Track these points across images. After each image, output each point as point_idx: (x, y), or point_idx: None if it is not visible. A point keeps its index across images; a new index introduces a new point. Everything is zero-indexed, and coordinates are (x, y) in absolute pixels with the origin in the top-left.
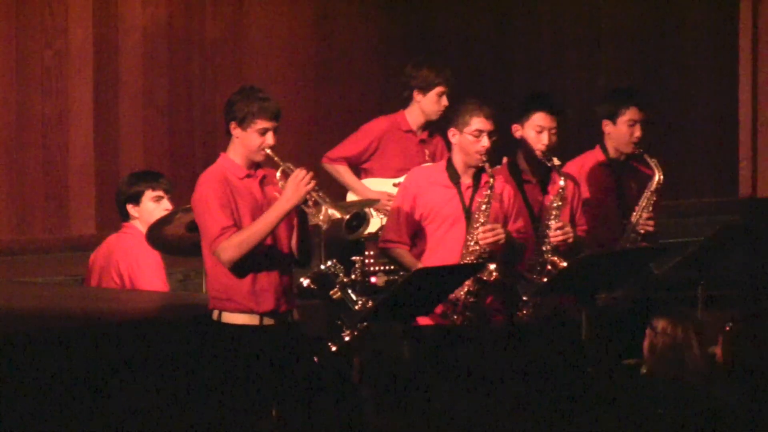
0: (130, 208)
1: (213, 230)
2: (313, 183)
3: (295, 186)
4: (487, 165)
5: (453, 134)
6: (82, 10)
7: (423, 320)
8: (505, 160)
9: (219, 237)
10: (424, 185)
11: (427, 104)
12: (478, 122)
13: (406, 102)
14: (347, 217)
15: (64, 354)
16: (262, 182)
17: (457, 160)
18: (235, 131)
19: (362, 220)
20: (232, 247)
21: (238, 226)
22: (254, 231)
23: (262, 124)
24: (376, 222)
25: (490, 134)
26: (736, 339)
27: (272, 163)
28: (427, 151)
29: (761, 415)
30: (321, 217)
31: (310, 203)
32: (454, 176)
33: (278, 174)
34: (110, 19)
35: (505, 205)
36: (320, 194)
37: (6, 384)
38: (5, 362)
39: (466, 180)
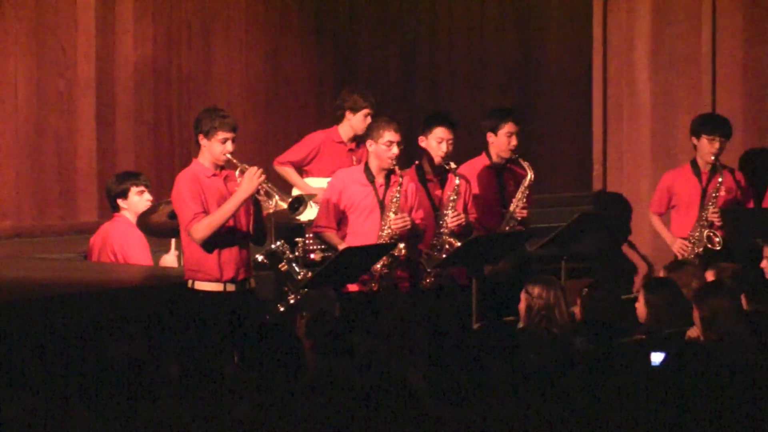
0: (119, 201)
1: (187, 216)
2: (263, 177)
3: (249, 179)
4: (396, 168)
5: (370, 144)
6: (88, 49)
7: (350, 287)
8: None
9: (192, 220)
10: (347, 183)
11: (356, 122)
12: (389, 135)
13: (339, 119)
14: (289, 200)
15: (72, 312)
16: (226, 180)
17: (372, 164)
18: (203, 141)
19: (301, 202)
20: (203, 228)
21: (207, 213)
22: (219, 215)
23: (223, 135)
24: (314, 211)
25: (398, 144)
26: (591, 300)
27: (232, 165)
28: (354, 158)
29: (608, 357)
30: (272, 204)
31: (262, 193)
32: (370, 176)
33: (237, 173)
34: (109, 56)
35: (410, 199)
36: (270, 186)
37: (27, 336)
38: (27, 319)
39: (380, 180)
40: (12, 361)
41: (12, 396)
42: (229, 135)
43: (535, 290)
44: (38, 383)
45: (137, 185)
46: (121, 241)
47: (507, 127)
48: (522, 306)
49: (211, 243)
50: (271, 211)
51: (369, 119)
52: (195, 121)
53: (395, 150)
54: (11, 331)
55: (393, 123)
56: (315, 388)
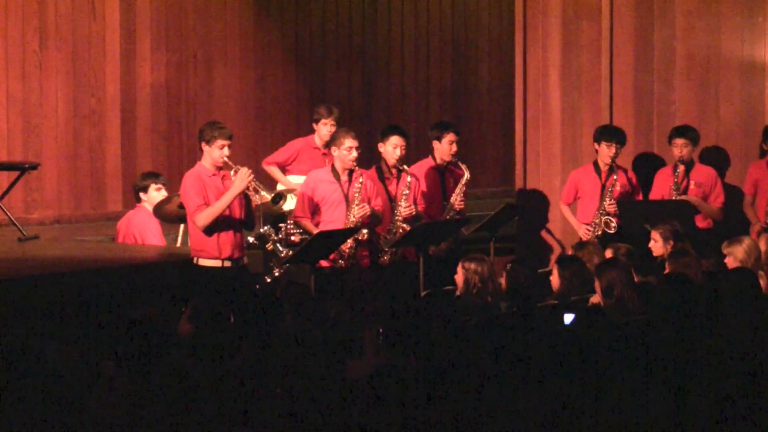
0: (141, 194)
1: (192, 207)
2: (252, 176)
3: (241, 178)
4: (356, 167)
5: (334, 150)
6: (114, 74)
7: (322, 263)
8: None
9: (195, 211)
10: (318, 182)
11: (320, 130)
12: (349, 142)
13: (312, 130)
14: (271, 195)
15: (102, 282)
16: (223, 179)
17: (337, 165)
18: (205, 148)
19: (280, 197)
20: (204, 217)
21: (207, 205)
22: (217, 207)
23: (221, 142)
24: (294, 202)
25: (356, 149)
26: (514, 273)
27: (228, 166)
28: (327, 160)
29: (527, 318)
30: (258, 198)
31: (251, 189)
32: (336, 176)
33: (232, 173)
34: (130, 79)
35: (369, 191)
36: (257, 183)
37: (66, 302)
38: (66, 289)
39: (344, 178)
40: (54, 322)
41: (54, 349)
42: (225, 142)
43: (471, 265)
44: (75, 339)
45: (156, 183)
46: (141, 227)
47: (449, 137)
48: (459, 278)
49: (212, 228)
50: (258, 203)
51: (329, 127)
52: (198, 131)
53: (354, 154)
54: (53, 297)
55: (351, 132)
56: (288, 339)
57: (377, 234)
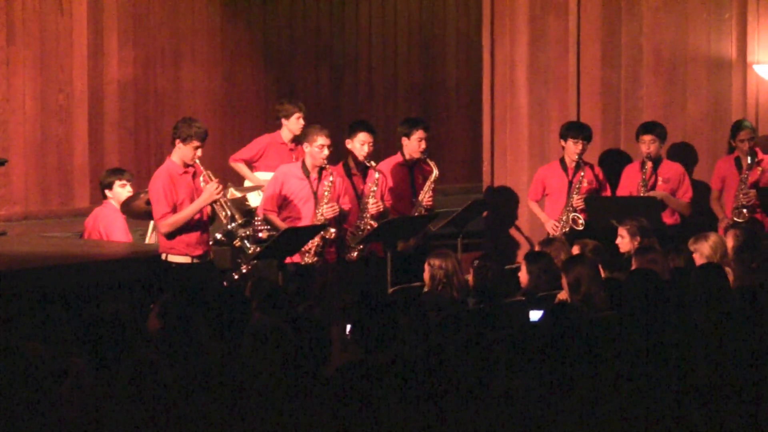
0: (106, 191)
1: (157, 213)
2: (221, 194)
3: (209, 193)
4: (327, 165)
5: (306, 146)
6: (81, 69)
7: (290, 259)
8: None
9: (160, 218)
10: (287, 176)
11: (291, 125)
12: (321, 139)
13: (279, 126)
14: (240, 221)
15: (71, 278)
16: (193, 176)
17: (308, 162)
18: (179, 145)
19: (249, 222)
20: (167, 225)
21: (176, 208)
22: (182, 216)
23: (196, 143)
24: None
25: (328, 147)
26: (481, 269)
27: (198, 169)
28: (294, 156)
29: (494, 314)
30: (223, 216)
31: (217, 206)
32: (305, 172)
33: (201, 178)
34: (98, 75)
35: (338, 189)
36: (224, 201)
37: (34, 298)
38: (35, 284)
39: (313, 174)
40: (21, 318)
41: (21, 345)
42: (200, 144)
43: (436, 262)
44: (43, 335)
45: (120, 179)
46: (107, 224)
47: (418, 134)
48: (426, 274)
49: (181, 229)
50: (222, 218)
51: (301, 121)
52: (174, 127)
53: (326, 152)
54: (22, 293)
55: (325, 129)
56: (256, 335)
57: (344, 230)
